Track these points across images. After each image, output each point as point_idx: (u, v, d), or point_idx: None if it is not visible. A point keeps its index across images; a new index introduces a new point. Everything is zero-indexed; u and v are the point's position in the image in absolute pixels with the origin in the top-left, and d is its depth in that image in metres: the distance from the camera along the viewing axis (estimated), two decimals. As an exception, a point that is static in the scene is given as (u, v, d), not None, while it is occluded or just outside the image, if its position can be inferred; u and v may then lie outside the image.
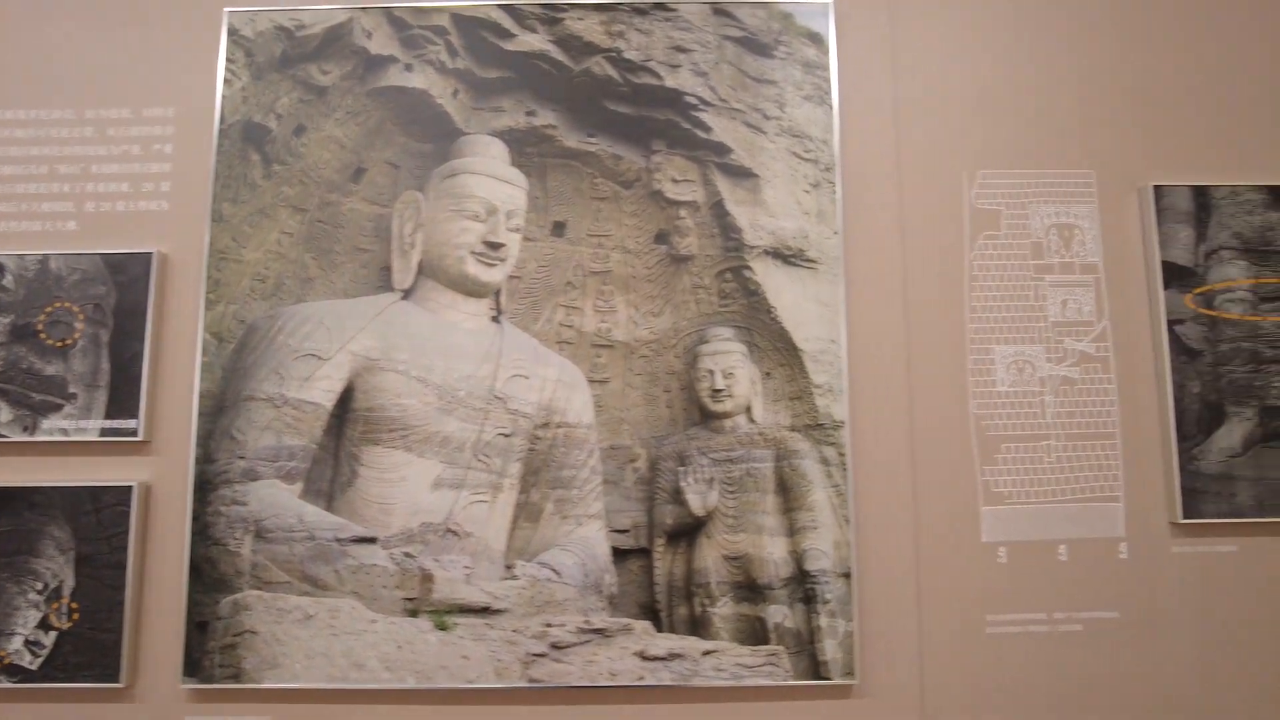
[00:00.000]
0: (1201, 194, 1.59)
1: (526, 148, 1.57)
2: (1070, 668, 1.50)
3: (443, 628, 1.46)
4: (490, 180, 1.55)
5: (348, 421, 1.50)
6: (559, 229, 1.56)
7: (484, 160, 1.56)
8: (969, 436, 1.54)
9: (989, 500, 1.53)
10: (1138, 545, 1.53)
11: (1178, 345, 1.56)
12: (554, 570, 1.48)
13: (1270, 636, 1.52)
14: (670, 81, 1.58)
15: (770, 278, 1.54)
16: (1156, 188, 1.59)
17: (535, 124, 1.57)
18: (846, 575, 1.48)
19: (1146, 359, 1.57)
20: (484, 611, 1.46)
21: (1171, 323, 1.56)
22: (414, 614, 1.45)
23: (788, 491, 1.50)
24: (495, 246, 1.54)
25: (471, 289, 1.54)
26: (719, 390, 1.51)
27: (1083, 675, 1.50)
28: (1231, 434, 1.54)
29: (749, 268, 1.55)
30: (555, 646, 1.46)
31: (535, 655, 1.46)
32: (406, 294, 1.54)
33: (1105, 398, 1.56)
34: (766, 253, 1.55)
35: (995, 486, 1.53)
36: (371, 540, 1.47)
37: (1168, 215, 1.58)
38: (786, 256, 1.55)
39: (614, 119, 1.58)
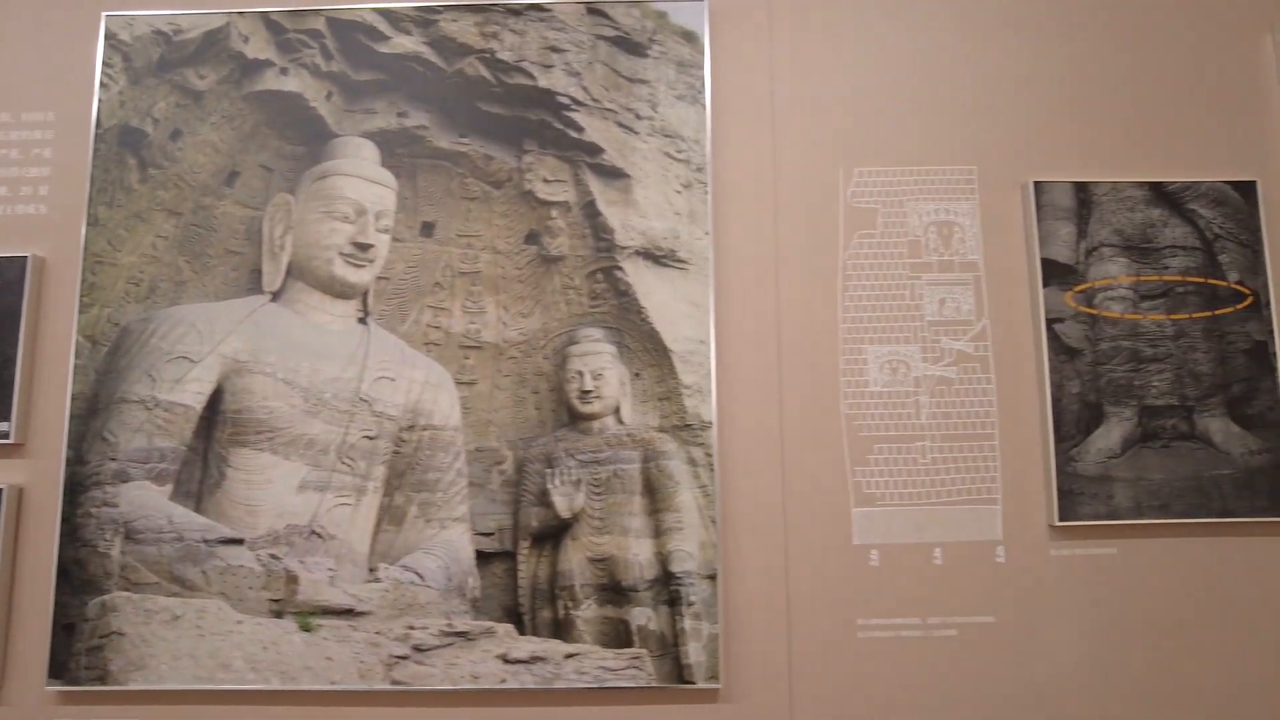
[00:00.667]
0: (1083, 190, 1.58)
1: (397, 149, 1.58)
2: (944, 674, 1.48)
3: (307, 629, 1.46)
4: (360, 181, 1.56)
5: (216, 423, 1.51)
6: (428, 229, 1.57)
7: (354, 162, 1.57)
8: (840, 437, 1.53)
9: (861, 502, 1.51)
10: (1015, 548, 1.51)
11: (1057, 344, 1.53)
12: (417, 573, 1.48)
13: (1149, 640, 1.49)
14: (543, 82, 1.58)
15: (641, 278, 1.54)
16: (1037, 184, 1.57)
17: (407, 125, 1.58)
18: (712, 577, 1.47)
19: (1026, 358, 1.55)
20: (348, 613, 1.47)
21: (1051, 321, 1.54)
22: (279, 615, 1.46)
23: (654, 493, 1.49)
24: (364, 248, 1.54)
25: (339, 290, 1.55)
26: (588, 391, 1.51)
27: (957, 681, 1.48)
28: (1110, 434, 1.51)
29: (620, 268, 1.54)
30: (418, 649, 1.46)
31: (398, 657, 1.46)
32: (276, 296, 1.56)
33: (983, 398, 1.54)
34: (638, 253, 1.54)
35: (867, 488, 1.51)
36: (238, 542, 1.48)
37: (1049, 212, 1.56)
38: (658, 257, 1.54)
39: (486, 119, 1.59)
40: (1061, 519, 1.51)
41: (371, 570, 1.50)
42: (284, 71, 1.61)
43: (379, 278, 1.57)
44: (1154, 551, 1.53)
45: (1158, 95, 1.65)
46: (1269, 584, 1.53)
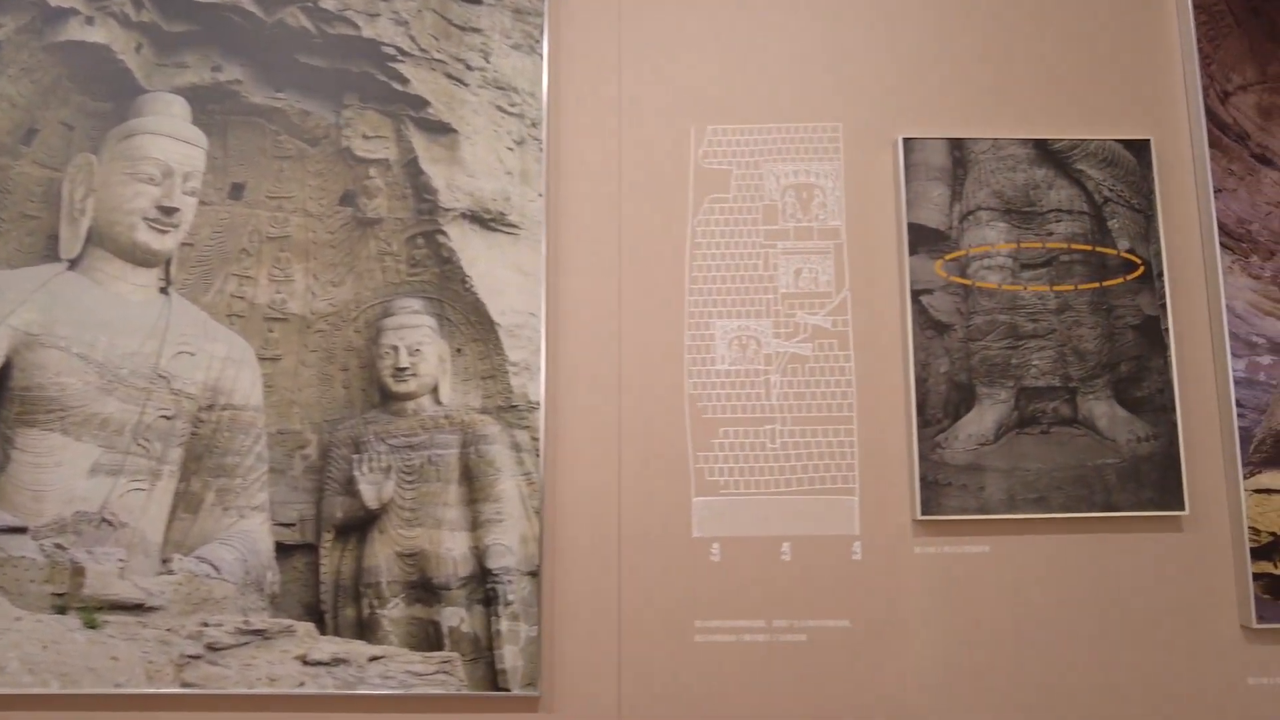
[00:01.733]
0: (959, 148, 1.43)
1: (210, 105, 1.46)
2: (792, 683, 1.34)
3: (92, 625, 1.34)
4: (168, 140, 1.45)
5: (3, 402, 1.40)
6: (237, 191, 1.45)
7: (163, 119, 1.45)
8: (682, 419, 1.38)
9: (702, 490, 1.37)
10: (873, 545, 1.36)
11: (924, 318, 1.39)
12: (213, 565, 1.36)
13: (1022, 647, 1.34)
14: (368, 31, 1.46)
15: (466, 243, 1.41)
16: (906, 141, 1.42)
17: (221, 79, 1.46)
18: (534, 574, 1.33)
19: (890, 334, 1.40)
20: (137, 609, 1.35)
21: (917, 293, 1.40)
22: (62, 611, 1.35)
23: (473, 481, 1.36)
24: (169, 211, 1.43)
25: (141, 258, 1.43)
26: (403, 369, 1.38)
27: (806, 691, 1.34)
28: (983, 419, 1.36)
29: (443, 232, 1.41)
30: (211, 648, 1.34)
31: (190, 657, 1.34)
32: (73, 264, 1.44)
33: (841, 377, 1.39)
34: (463, 216, 1.42)
35: (710, 475, 1.37)
36: (21, 530, 1.36)
37: (919, 172, 1.42)
38: (485, 220, 1.41)
39: (305, 73, 1.46)
40: (924, 513, 1.36)
41: (164, 561, 1.38)
42: (90, 20, 1.49)
43: (183, 244, 1.45)
44: (1030, 549, 1.38)
45: (1044, 45, 1.50)
46: (1156, 584, 1.38)
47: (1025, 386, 1.39)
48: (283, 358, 1.42)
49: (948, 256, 1.42)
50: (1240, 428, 1.39)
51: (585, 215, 1.46)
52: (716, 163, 1.47)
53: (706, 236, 1.46)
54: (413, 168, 1.45)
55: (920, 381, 1.39)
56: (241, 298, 1.44)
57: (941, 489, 1.37)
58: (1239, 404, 1.40)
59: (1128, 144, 1.45)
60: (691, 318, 1.44)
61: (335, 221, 1.45)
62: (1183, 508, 1.37)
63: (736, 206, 1.46)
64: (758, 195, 1.46)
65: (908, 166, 1.44)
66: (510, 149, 1.46)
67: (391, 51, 1.47)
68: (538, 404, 1.39)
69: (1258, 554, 1.37)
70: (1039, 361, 1.40)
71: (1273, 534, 1.37)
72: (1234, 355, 1.41)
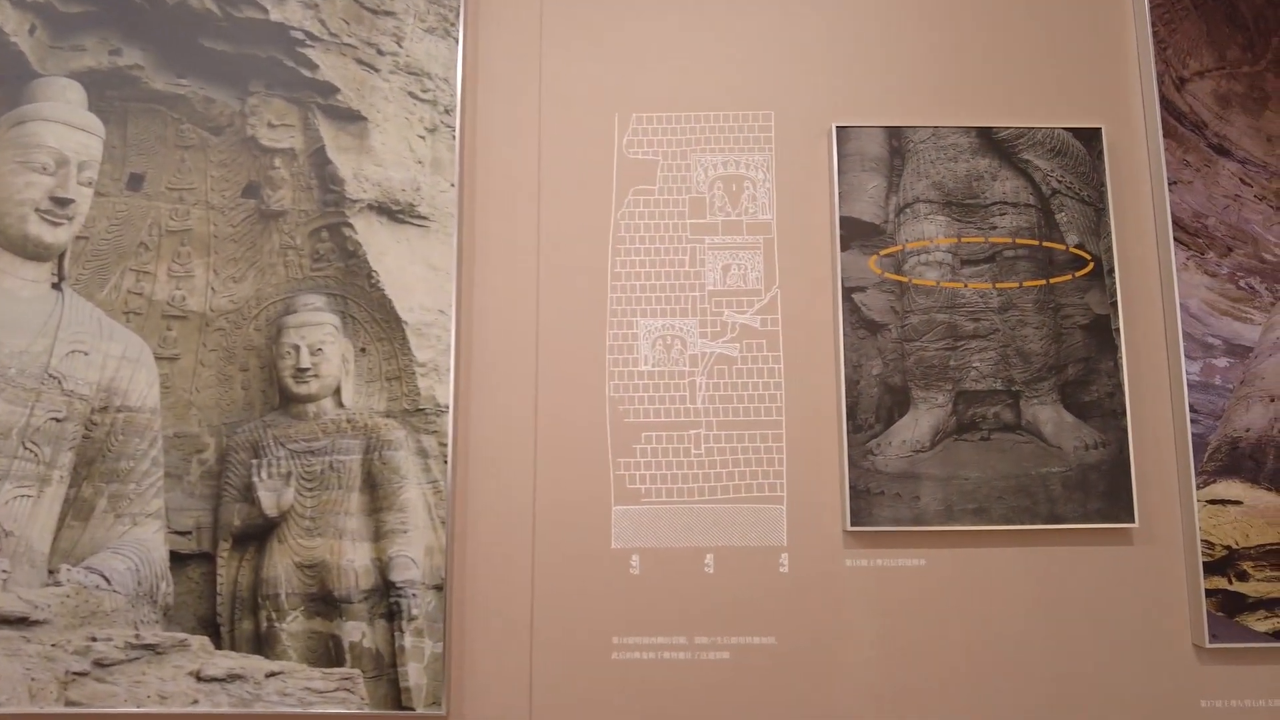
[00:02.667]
0: (896, 137, 1.36)
1: (108, 91, 1.40)
2: (713, 703, 1.28)
3: (-26, 641, 1.27)
4: (63, 128, 1.38)
5: (-113, 403, 1.32)
6: (136, 182, 1.38)
7: (57, 106, 1.39)
8: (603, 424, 1.31)
9: (622, 498, 1.30)
10: (802, 557, 1.29)
11: (856, 317, 1.32)
12: (103, 576, 1.29)
13: (959, 669, 1.27)
14: (276, 15, 1.40)
15: (373, 237, 1.34)
16: (840, 129, 1.35)
17: (120, 64, 1.40)
18: (439, 587, 1.26)
19: (822, 334, 1.33)
20: (21, 622, 1.29)
21: (850, 290, 1.32)
22: (-57, 625, 1.27)
23: (376, 489, 1.29)
24: (63, 203, 1.36)
25: (33, 252, 1.36)
26: (304, 370, 1.31)
27: (728, 713, 1.28)
28: (918, 424, 1.29)
29: (349, 225, 1.35)
30: (99, 664, 1.27)
31: (76, 674, 1.27)
32: (-38, 258, 1.36)
33: (770, 379, 1.32)
34: (371, 207, 1.35)
35: (631, 483, 1.30)
36: (-98, 540, 1.29)
37: (854, 162, 1.35)
38: (394, 212, 1.35)
39: (209, 58, 1.40)
40: (854, 524, 1.29)
41: (51, 572, 1.31)
42: (-16, 3, 1.42)
43: (78, 237, 1.38)
44: (968, 563, 1.31)
45: (988, 27, 1.42)
46: (1103, 601, 1.30)
47: (964, 390, 1.32)
48: (181, 357, 1.35)
49: (882, 252, 1.35)
50: (1194, 434, 1.32)
51: (501, 207, 1.39)
52: (642, 153, 1.40)
53: (630, 230, 1.38)
54: (319, 157, 1.38)
55: (851, 384, 1.32)
56: (139, 294, 1.37)
57: (873, 498, 1.30)
58: (1193, 409, 1.32)
59: (1077, 132, 1.37)
60: (613, 316, 1.36)
61: (238, 214, 1.38)
62: (1132, 520, 1.30)
63: (662, 199, 1.39)
64: (685, 187, 1.39)
65: (841, 157, 1.37)
66: (422, 137, 1.39)
67: (300, 36, 1.41)
68: (446, 407, 1.32)
69: (1211, 569, 1.29)
70: (979, 363, 1.32)
71: (1227, 547, 1.30)
72: (1188, 357, 1.33)
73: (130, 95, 1.42)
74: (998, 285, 1.34)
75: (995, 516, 1.29)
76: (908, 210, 1.36)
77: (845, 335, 1.33)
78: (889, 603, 1.30)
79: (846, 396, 1.31)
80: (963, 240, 1.35)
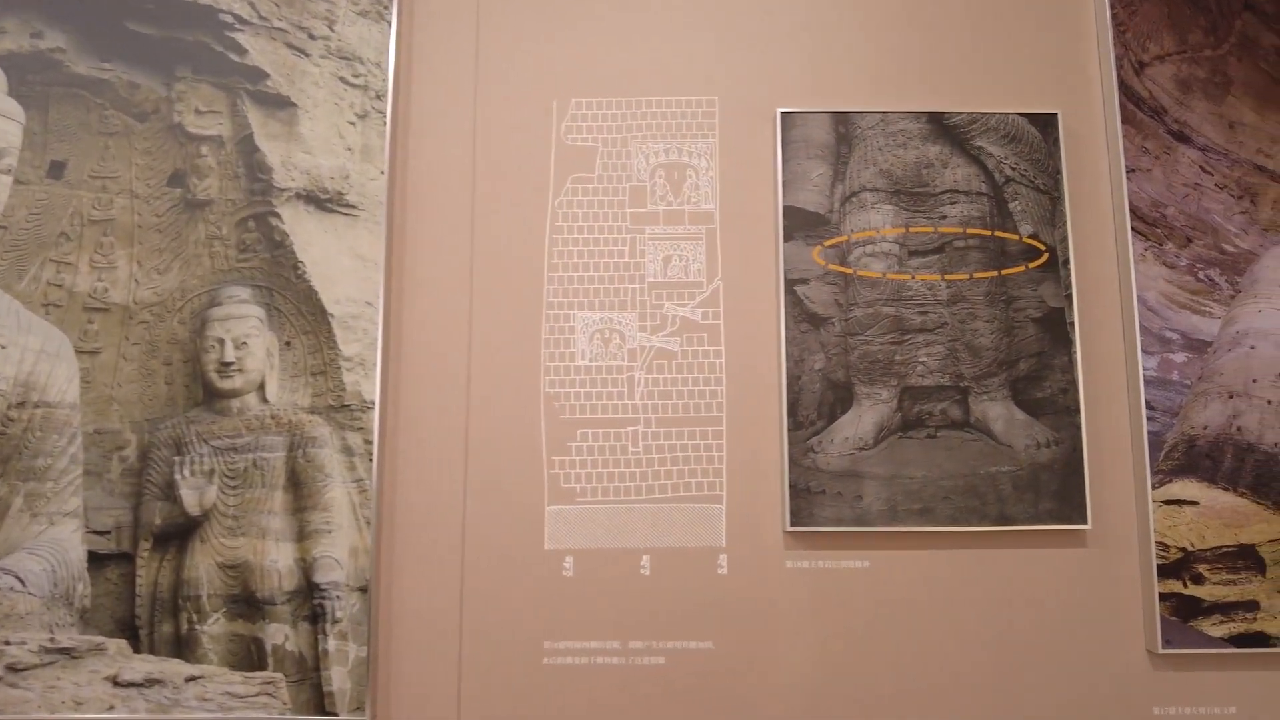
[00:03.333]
0: (844, 123, 1.31)
1: (29, 75, 1.36)
2: (647, 710, 1.24)
3: (-116, 644, 1.24)
4: (-18, 114, 1.33)
5: None
6: (57, 170, 1.34)
7: (-23, 91, 1.34)
8: (537, 420, 1.27)
9: (556, 498, 1.26)
10: (741, 559, 1.25)
11: (799, 310, 1.27)
12: (17, 577, 1.26)
13: (904, 675, 1.23)
14: (204, -4, 1.35)
15: (300, 226, 1.30)
16: (784, 115, 1.30)
17: (41, 47, 1.36)
18: (364, 589, 1.22)
19: (766, 328, 1.29)
20: (-66, 625, 1.24)
21: (792, 282, 1.28)
22: None
23: (300, 487, 1.26)
24: (-19, 191, 1.31)
25: (-49, 242, 1.32)
26: (228, 364, 1.28)
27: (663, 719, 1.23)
28: (861, 421, 1.25)
29: (276, 214, 1.31)
30: (12, 669, 1.25)
31: (-10, 679, 1.23)
32: (-122, 248, 1.33)
33: (711, 374, 1.28)
34: (299, 196, 1.31)
35: (565, 481, 1.27)
36: None
37: (799, 149, 1.30)
38: (322, 201, 1.31)
39: (135, 41, 1.36)
40: (794, 524, 1.25)
41: (-34, 574, 1.28)
42: (-96, -15, 1.38)
43: (-3, 227, 1.34)
44: (914, 566, 1.27)
45: (940, 9, 1.38)
46: (1055, 605, 1.26)
47: (910, 386, 1.28)
48: (102, 351, 1.32)
49: (826, 243, 1.31)
50: (1150, 432, 1.27)
51: (434, 196, 1.35)
52: (580, 139, 1.36)
53: (568, 220, 1.34)
54: (247, 145, 1.35)
55: (793, 379, 1.28)
56: (59, 286, 1.33)
57: (814, 498, 1.26)
58: (1149, 406, 1.28)
59: (1033, 118, 1.33)
60: (550, 309, 1.33)
61: (163, 204, 1.34)
62: (1085, 521, 1.26)
63: (602, 187, 1.35)
64: (625, 175, 1.35)
65: (786, 144, 1.32)
66: (352, 123, 1.35)
67: (229, 19, 1.37)
68: (371, 403, 1.28)
69: (1166, 572, 1.25)
70: (926, 358, 1.28)
71: (1182, 549, 1.25)
72: (1145, 352, 1.29)
73: (52, 79, 1.38)
74: (946, 277, 1.30)
75: (941, 517, 1.25)
76: (854, 199, 1.32)
77: (787, 329, 1.29)
78: (830, 606, 1.26)
79: (788, 392, 1.27)
80: (910, 230, 1.31)
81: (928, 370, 1.28)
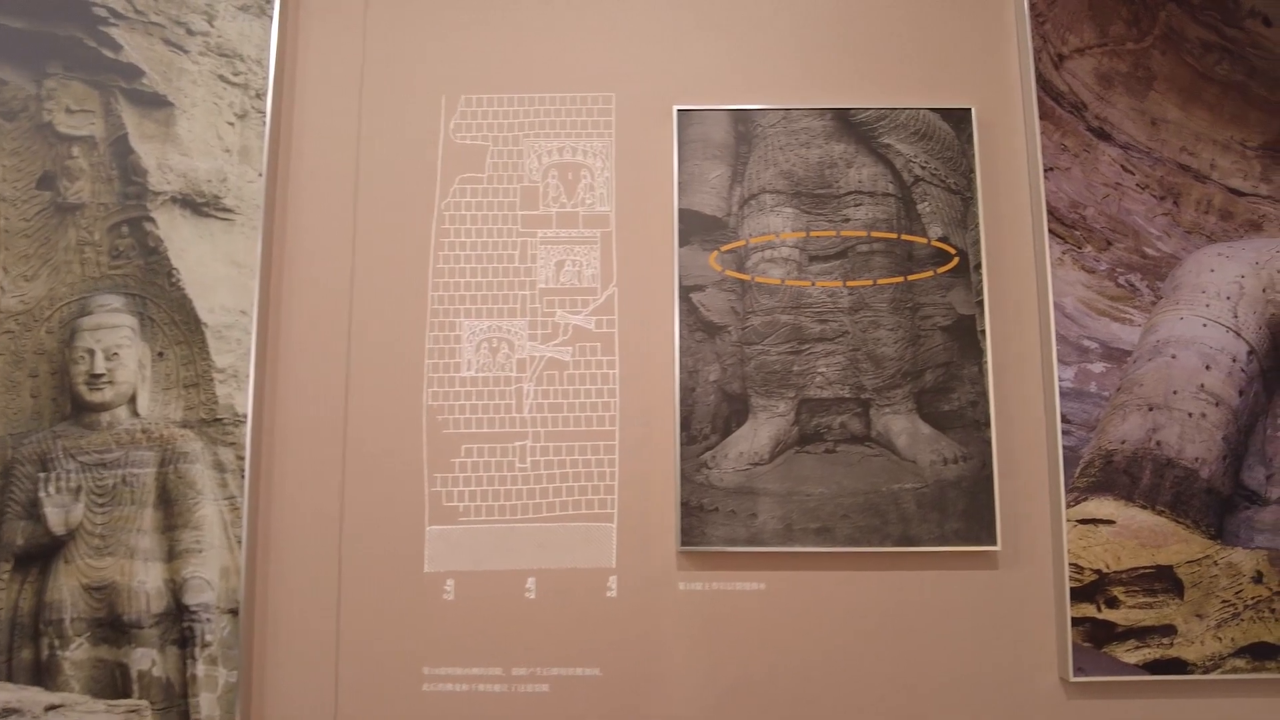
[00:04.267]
0: (743, 121, 1.26)
1: (-104, 74, 1.30)
2: (533, 739, 1.18)
3: None
4: None
5: None
6: (-77, 173, 1.29)
7: None
8: (419, 435, 1.22)
9: (438, 518, 1.21)
10: (631, 580, 1.21)
11: (694, 318, 1.22)
12: (-124, 598, 1.21)
13: (803, 703, 1.18)
14: (79, -10, 1.30)
15: (176, 232, 1.26)
16: (682, 113, 1.25)
17: (-90, 45, 1.30)
18: (236, 611, 1.17)
19: (662, 337, 1.23)
20: None
21: (688, 289, 1.22)
22: None
23: (171, 504, 1.21)
24: None
25: None
26: (98, 375, 1.23)
27: (549, 750, 1.18)
28: (757, 435, 1.20)
29: (151, 219, 1.27)
30: None
31: None
32: None
33: (604, 386, 1.23)
34: (175, 200, 1.26)
35: (447, 499, 1.22)
36: None
37: (696, 149, 1.25)
38: (198, 205, 1.26)
39: (2, 35, 1.32)
40: (685, 543, 1.20)
41: None
42: None
43: None
44: (812, 588, 1.22)
45: (846, 3, 1.32)
46: (962, 631, 1.21)
47: (809, 398, 1.22)
48: (-35, 362, 1.27)
49: (724, 247, 1.25)
50: (1065, 447, 1.22)
51: (314, 198, 1.30)
52: (470, 137, 1.31)
53: (456, 222, 1.29)
54: (121, 146, 1.30)
55: (687, 391, 1.23)
56: (-78, 293, 1.29)
57: (707, 516, 1.20)
58: (1065, 419, 1.22)
59: (945, 114, 1.28)
60: (435, 316, 1.27)
61: (31, 207, 1.30)
62: (994, 542, 1.20)
63: (492, 188, 1.30)
64: (516, 175, 1.30)
65: (683, 143, 1.27)
66: (231, 123, 1.30)
67: (103, 13, 1.32)
68: (245, 417, 1.23)
69: (1079, 595, 1.19)
70: (826, 369, 1.23)
71: (1097, 571, 1.20)
72: (1061, 362, 1.23)
73: (-80, 79, 1.33)
74: (849, 283, 1.24)
75: (840, 537, 1.20)
76: (753, 201, 1.26)
77: (681, 338, 1.23)
78: (724, 630, 1.21)
79: (681, 405, 1.22)
80: (812, 234, 1.25)
81: (827, 381, 1.23)
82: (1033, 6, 1.29)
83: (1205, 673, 1.18)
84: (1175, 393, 1.22)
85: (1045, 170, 1.26)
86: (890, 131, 1.27)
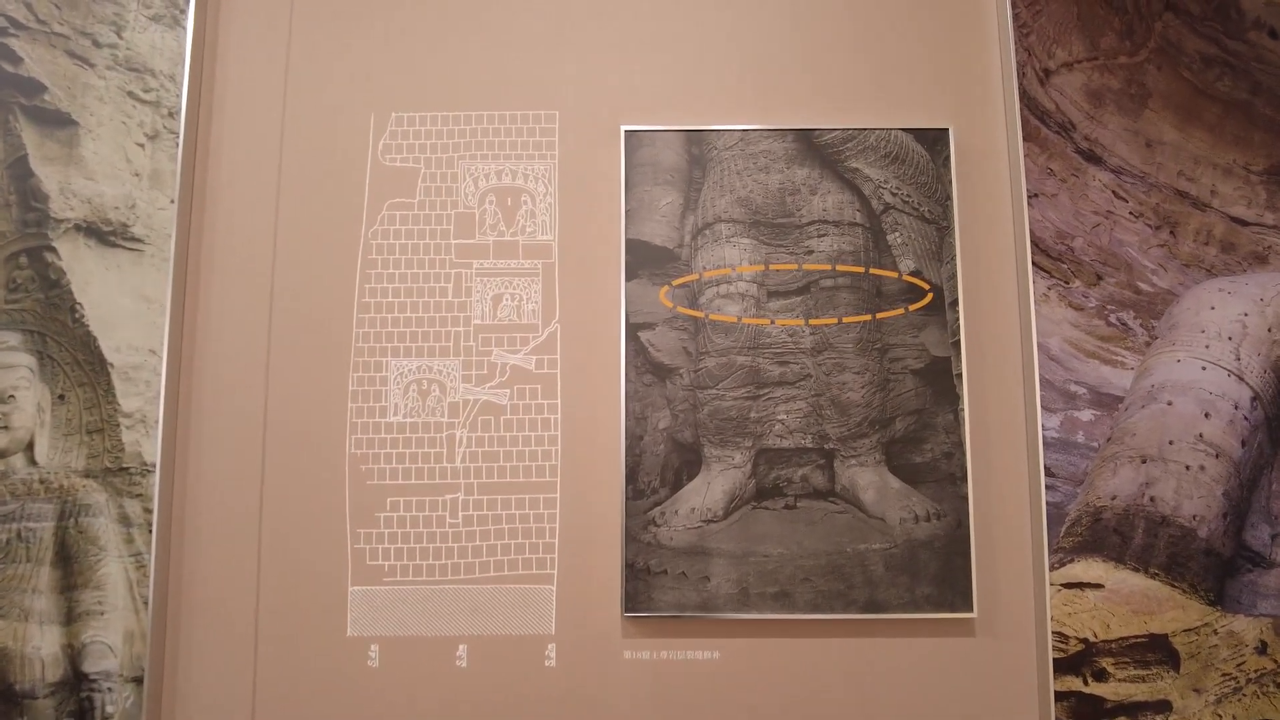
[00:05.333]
0: (697, 143, 1.16)
1: None
2: (464, 822, 1.09)
3: None
4: None
5: None
6: None
7: None
8: (341, 486, 1.13)
9: (362, 578, 1.12)
10: (573, 648, 1.11)
11: (642, 360, 1.12)
12: None
13: (752, 788, 1.08)
14: (-22, -2, 1.21)
15: (79, 263, 1.17)
16: (630, 134, 1.15)
17: None
18: (141, 680, 1.08)
19: (608, 380, 1.14)
20: None
21: (636, 327, 1.13)
22: None
23: (70, 562, 1.12)
24: None
25: None
26: (-7, 419, 1.13)
27: (481, 833, 1.09)
28: (710, 489, 1.10)
29: (52, 249, 1.18)
30: None
31: None
32: None
33: (545, 433, 1.14)
34: (78, 228, 1.17)
35: (372, 558, 1.13)
36: None
37: (645, 174, 1.15)
38: (104, 234, 1.17)
39: (-99, 50, 1.21)
40: (631, 609, 1.10)
41: None
42: None
43: None
44: (772, 658, 1.12)
45: (812, 11, 1.22)
46: (934, 707, 1.11)
47: (767, 448, 1.13)
48: None
49: (675, 282, 1.16)
50: (1050, 503, 1.12)
51: (231, 226, 1.21)
52: (400, 159, 1.22)
53: (384, 252, 1.20)
54: (20, 168, 1.21)
55: (634, 440, 1.13)
56: None
57: (654, 579, 1.11)
58: (1049, 472, 1.12)
59: (919, 135, 1.18)
60: (360, 355, 1.18)
61: (-76, 236, 1.21)
62: (971, 608, 1.10)
63: (424, 214, 1.21)
64: (451, 201, 1.21)
65: (631, 167, 1.17)
66: (141, 145, 1.21)
67: (1, 23, 1.23)
68: (153, 466, 1.14)
69: (1064, 666, 1.10)
70: (786, 416, 1.13)
71: (1084, 640, 1.10)
72: (1046, 409, 1.13)
73: None
74: (812, 321, 1.14)
75: (801, 603, 1.10)
76: (707, 231, 1.16)
77: (628, 381, 1.14)
78: (674, 704, 1.12)
79: (627, 455, 1.12)
80: (771, 267, 1.15)
81: (787, 430, 1.13)
82: (1016, 16, 1.19)
83: (1202, 755, 1.08)
84: (1171, 443, 1.12)
85: (1029, 197, 1.16)
86: (858, 155, 1.17)
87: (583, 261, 1.19)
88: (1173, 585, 1.11)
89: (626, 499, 1.12)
